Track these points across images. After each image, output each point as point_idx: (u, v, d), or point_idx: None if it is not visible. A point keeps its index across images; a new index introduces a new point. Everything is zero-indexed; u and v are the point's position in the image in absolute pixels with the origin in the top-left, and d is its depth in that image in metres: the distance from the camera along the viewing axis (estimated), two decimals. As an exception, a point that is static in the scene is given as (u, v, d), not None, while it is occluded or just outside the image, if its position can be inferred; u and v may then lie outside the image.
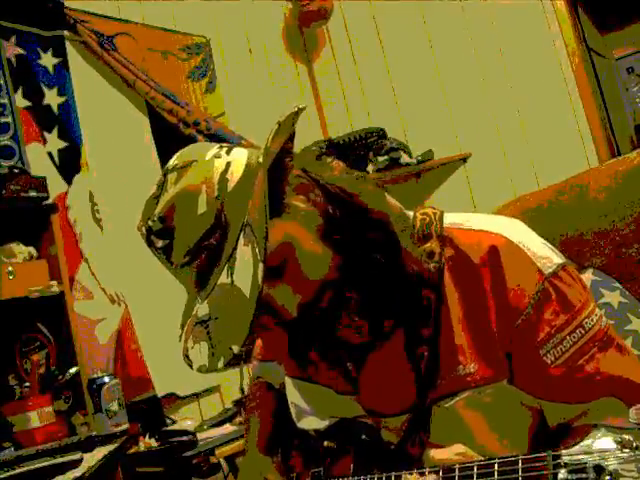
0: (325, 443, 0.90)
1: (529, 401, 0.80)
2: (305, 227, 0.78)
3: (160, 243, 0.77)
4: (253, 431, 1.17)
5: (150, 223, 0.77)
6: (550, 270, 0.79)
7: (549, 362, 0.77)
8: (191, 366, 0.77)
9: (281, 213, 0.77)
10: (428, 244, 0.83)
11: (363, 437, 0.86)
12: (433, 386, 0.81)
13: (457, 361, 0.80)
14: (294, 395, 1.01)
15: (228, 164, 0.78)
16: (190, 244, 0.75)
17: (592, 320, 0.77)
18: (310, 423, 0.97)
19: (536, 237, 0.84)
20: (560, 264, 0.80)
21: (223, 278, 0.73)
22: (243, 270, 0.71)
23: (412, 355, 0.82)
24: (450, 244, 0.83)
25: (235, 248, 0.73)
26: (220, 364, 0.73)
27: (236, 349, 0.71)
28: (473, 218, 0.87)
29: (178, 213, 0.76)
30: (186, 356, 0.77)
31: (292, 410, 1.01)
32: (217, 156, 0.79)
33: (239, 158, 0.79)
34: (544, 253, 0.81)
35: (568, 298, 0.78)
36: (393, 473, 0.77)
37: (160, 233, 0.76)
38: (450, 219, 0.87)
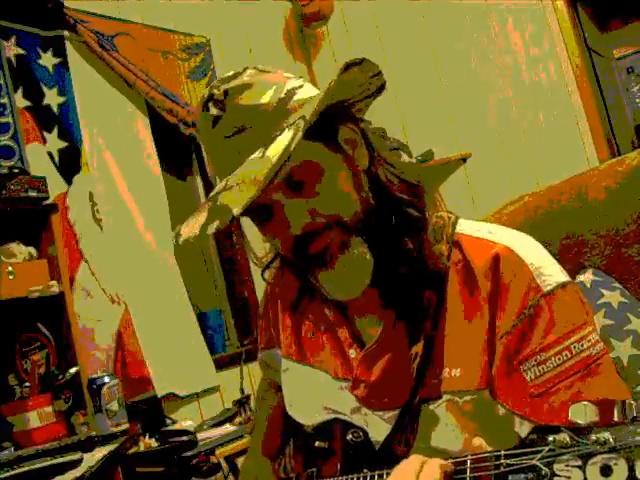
0: (317, 443, 0.90)
1: (506, 422, 0.79)
2: (343, 167, 0.82)
3: (214, 111, 0.79)
4: (258, 432, 1.16)
5: (215, 91, 0.80)
6: (549, 288, 0.78)
7: (528, 379, 0.75)
8: (177, 241, 0.77)
9: (329, 142, 0.81)
10: (437, 246, 0.84)
11: (349, 438, 0.86)
12: (422, 386, 0.81)
13: (446, 364, 0.81)
14: (289, 380, 1.02)
15: (301, 86, 0.82)
16: (241, 123, 0.78)
17: (582, 345, 0.75)
18: (300, 414, 0.98)
19: (543, 254, 0.83)
20: (561, 283, 0.79)
21: (255, 154, 0.75)
22: (278, 144, 0.73)
23: (407, 352, 0.82)
24: (458, 249, 0.84)
25: (279, 134, 0.75)
26: (212, 228, 0.72)
27: (237, 211, 0.71)
28: (485, 227, 0.87)
29: (245, 95, 0.79)
30: (176, 234, 0.78)
31: (285, 395, 1.02)
32: (296, 80, 0.84)
33: (312, 88, 0.84)
34: (547, 270, 0.80)
35: (561, 319, 0.76)
36: (377, 473, 0.77)
37: (218, 102, 0.79)
38: (463, 226, 0.87)
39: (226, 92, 0.79)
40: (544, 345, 0.75)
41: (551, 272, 0.80)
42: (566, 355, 0.75)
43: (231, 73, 0.82)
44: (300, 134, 0.72)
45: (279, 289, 1.03)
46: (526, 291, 0.78)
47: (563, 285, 0.79)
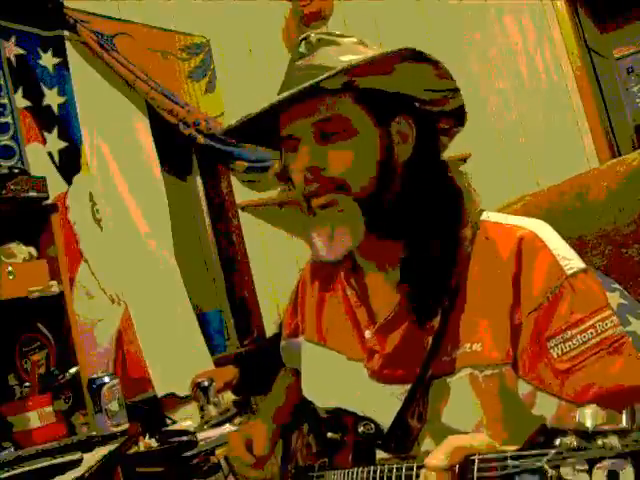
0: (329, 435, 0.92)
1: (527, 402, 0.81)
2: (377, 144, 0.88)
3: (303, 49, 0.90)
4: (273, 400, 1.21)
5: (312, 34, 0.92)
6: (572, 271, 0.81)
7: (555, 355, 0.78)
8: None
9: (379, 119, 0.88)
10: (463, 230, 0.88)
11: (361, 430, 0.87)
12: (437, 360, 0.83)
13: (465, 339, 0.83)
14: (308, 362, 1.06)
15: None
16: (318, 63, 0.87)
17: (606, 325, 0.79)
18: (314, 396, 1.01)
19: (564, 242, 0.87)
20: (582, 268, 0.83)
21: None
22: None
23: (423, 327, 0.85)
24: (482, 233, 0.88)
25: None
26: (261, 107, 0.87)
27: (286, 95, 0.83)
28: (508, 216, 0.92)
29: (331, 48, 0.90)
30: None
31: (302, 376, 1.07)
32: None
33: None
34: (569, 255, 0.84)
35: (585, 300, 0.80)
36: (387, 465, 0.77)
37: (309, 44, 0.90)
38: (488, 215, 0.92)
39: (320, 39, 0.90)
40: (570, 323, 0.78)
41: (572, 258, 0.84)
42: (591, 333, 0.78)
43: (335, 33, 0.93)
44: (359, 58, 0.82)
45: (311, 274, 1.10)
46: (550, 273, 0.81)
47: (584, 270, 0.83)
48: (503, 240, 0.85)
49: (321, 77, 0.81)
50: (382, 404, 0.88)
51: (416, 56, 0.84)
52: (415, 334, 0.86)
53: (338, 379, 0.96)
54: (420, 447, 0.84)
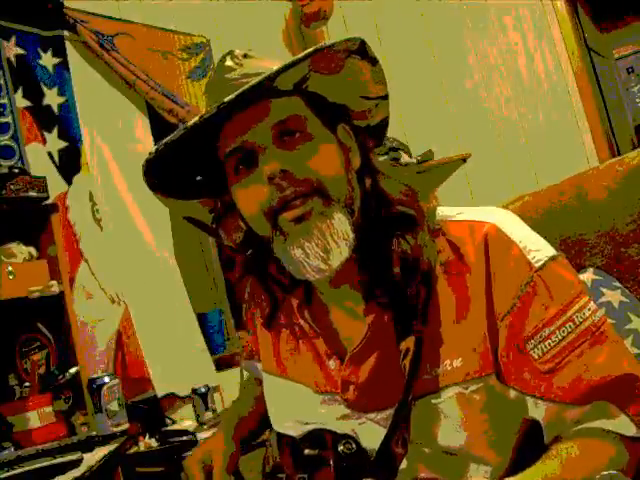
0: (306, 452, 0.87)
1: (518, 407, 0.79)
2: (335, 145, 0.83)
3: (230, 63, 0.84)
4: (231, 418, 1.14)
5: (236, 49, 0.87)
6: (540, 263, 0.78)
7: (536, 357, 0.75)
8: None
9: (328, 125, 0.83)
10: (421, 235, 0.82)
11: (340, 449, 0.83)
12: (417, 381, 0.78)
13: (443, 356, 0.79)
14: (271, 396, 1.00)
15: None
16: (251, 72, 0.81)
17: (584, 314, 0.75)
18: (286, 428, 0.95)
19: (527, 229, 0.83)
20: (550, 256, 0.79)
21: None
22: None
23: (396, 349, 0.80)
24: (442, 236, 0.83)
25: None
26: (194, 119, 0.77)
27: (228, 99, 0.74)
28: (465, 210, 0.87)
29: (260, 59, 0.86)
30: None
31: (269, 410, 1.00)
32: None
33: None
34: (535, 245, 0.80)
35: (558, 291, 0.76)
36: None
37: (235, 58, 0.85)
38: (442, 212, 0.87)
39: (245, 55, 0.85)
40: (546, 320, 0.75)
41: (539, 247, 0.80)
42: (570, 327, 0.75)
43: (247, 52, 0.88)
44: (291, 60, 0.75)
45: (254, 303, 1.02)
46: (518, 270, 0.77)
47: (553, 258, 0.79)
48: (465, 241, 0.80)
49: (287, 63, 0.74)
50: (362, 432, 0.84)
51: (362, 49, 0.79)
52: (389, 359, 0.80)
53: (310, 412, 0.90)
54: (415, 471, 0.80)
